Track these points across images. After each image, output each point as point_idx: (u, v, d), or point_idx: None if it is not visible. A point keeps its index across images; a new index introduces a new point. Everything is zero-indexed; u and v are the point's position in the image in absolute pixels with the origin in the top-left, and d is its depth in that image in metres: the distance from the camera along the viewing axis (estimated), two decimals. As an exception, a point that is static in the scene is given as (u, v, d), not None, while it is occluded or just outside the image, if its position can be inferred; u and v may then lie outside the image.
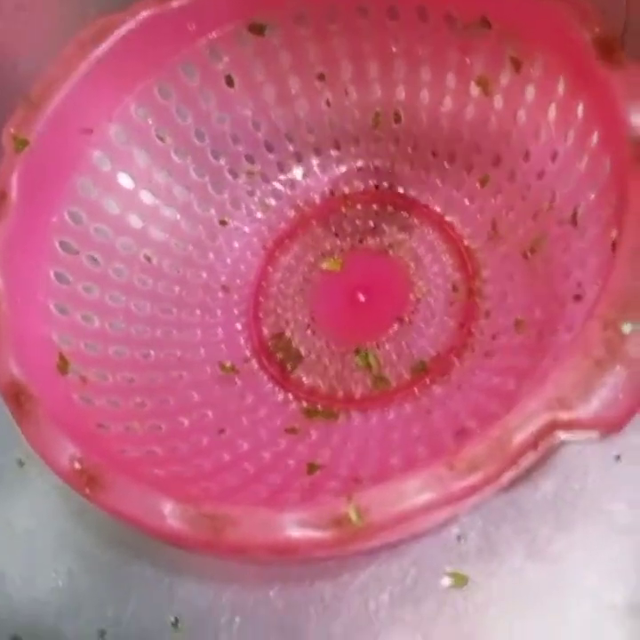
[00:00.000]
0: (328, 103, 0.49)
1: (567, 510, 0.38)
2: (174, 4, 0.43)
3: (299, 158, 0.51)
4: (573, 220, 0.41)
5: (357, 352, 0.45)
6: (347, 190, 0.51)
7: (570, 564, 0.38)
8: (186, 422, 0.42)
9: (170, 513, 0.32)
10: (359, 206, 0.50)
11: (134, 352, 0.44)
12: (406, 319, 0.46)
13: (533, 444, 0.30)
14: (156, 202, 0.48)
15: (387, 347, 0.45)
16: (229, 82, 0.48)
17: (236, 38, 0.46)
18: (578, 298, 0.38)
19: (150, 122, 0.46)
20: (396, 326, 0.46)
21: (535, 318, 0.42)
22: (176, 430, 0.41)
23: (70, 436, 0.35)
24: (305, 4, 0.45)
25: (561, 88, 0.41)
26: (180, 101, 0.47)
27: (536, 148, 0.44)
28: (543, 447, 0.31)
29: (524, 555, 0.38)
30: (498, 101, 0.45)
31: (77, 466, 0.34)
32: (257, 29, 0.46)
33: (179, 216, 0.49)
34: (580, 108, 0.39)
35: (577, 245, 0.40)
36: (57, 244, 0.42)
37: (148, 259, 0.47)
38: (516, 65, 0.43)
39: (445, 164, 0.49)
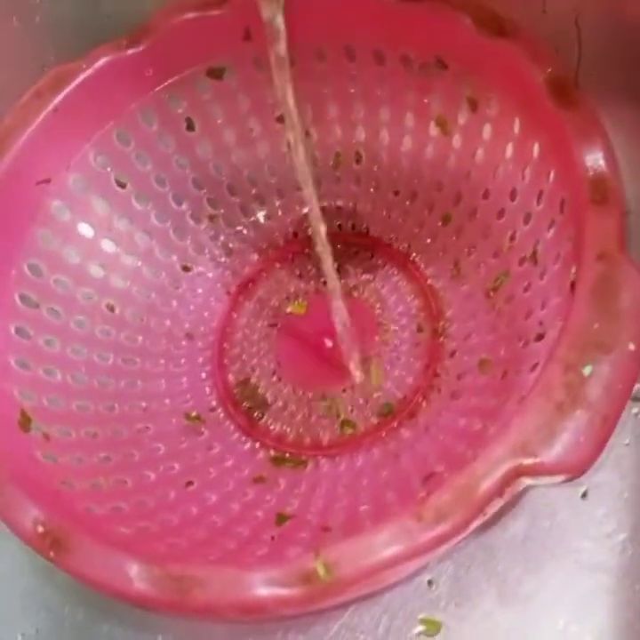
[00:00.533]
0: (288, 145, 0.49)
1: (536, 550, 0.38)
2: (131, 51, 0.43)
3: (261, 201, 0.51)
4: (533, 259, 0.41)
5: (324, 397, 0.45)
6: (310, 231, 0.51)
7: (540, 605, 0.37)
8: (152, 476, 0.41)
9: (136, 575, 0.31)
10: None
11: (98, 405, 0.43)
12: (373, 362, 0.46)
13: (499, 491, 0.30)
14: (117, 250, 0.47)
15: (354, 390, 0.45)
16: (189, 126, 0.48)
17: (195, 83, 0.46)
18: (540, 337, 0.38)
19: (109, 169, 0.46)
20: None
21: (499, 358, 0.42)
22: (142, 485, 0.40)
23: (33, 497, 0.34)
24: (262, 48, 0.45)
25: (516, 128, 0.41)
26: (140, 147, 0.47)
27: (495, 186, 0.44)
28: (509, 494, 0.31)
29: (495, 598, 0.38)
30: (456, 141, 0.46)
31: (40, 529, 0.33)
32: (215, 74, 0.46)
33: (140, 263, 0.48)
34: (535, 148, 0.40)
35: (537, 284, 0.40)
36: (17, 298, 0.42)
37: (111, 308, 0.47)
38: (473, 105, 0.43)
39: (407, 202, 0.50)
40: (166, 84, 0.46)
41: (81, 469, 0.39)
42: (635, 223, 0.44)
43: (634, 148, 0.44)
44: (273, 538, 0.36)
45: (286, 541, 0.36)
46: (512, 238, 0.43)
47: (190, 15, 0.43)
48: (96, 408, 0.43)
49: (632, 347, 0.31)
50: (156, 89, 0.46)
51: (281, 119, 0.48)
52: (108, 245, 0.47)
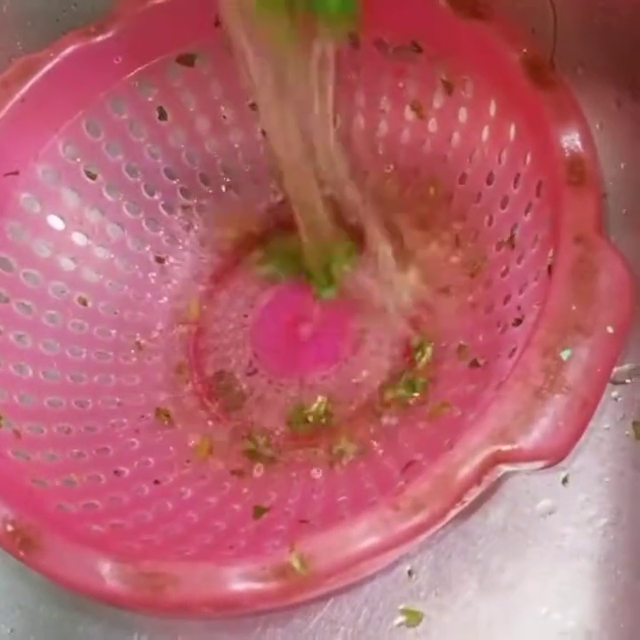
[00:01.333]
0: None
1: (517, 537, 0.38)
2: (99, 39, 0.42)
3: (236, 189, 0.50)
4: (511, 243, 0.40)
5: (301, 387, 0.44)
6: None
7: (522, 593, 0.37)
8: (126, 471, 0.40)
9: (108, 573, 0.31)
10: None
11: (71, 401, 0.42)
12: (350, 350, 0.45)
13: (477, 478, 0.30)
14: (89, 242, 0.46)
15: (332, 380, 0.45)
16: (161, 114, 0.47)
17: (165, 70, 0.45)
18: (518, 322, 0.38)
19: (79, 160, 0.45)
20: (340, 358, 0.45)
21: (478, 343, 0.41)
22: (116, 481, 0.39)
23: (2, 495, 0.33)
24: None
25: (492, 110, 0.41)
26: (110, 137, 0.46)
27: (471, 170, 0.44)
28: (487, 481, 0.30)
29: (476, 586, 0.37)
30: (432, 125, 0.45)
31: (10, 528, 0.32)
32: (186, 60, 0.45)
33: (113, 255, 0.47)
34: (511, 130, 0.40)
35: (515, 268, 0.40)
36: (-14, 293, 0.41)
37: (83, 302, 0.46)
38: (448, 88, 0.43)
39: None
40: (136, 71, 0.45)
41: (53, 466, 0.38)
42: (612, 205, 0.43)
43: (610, 129, 0.44)
44: (250, 531, 0.36)
45: (264, 534, 0.35)
46: (489, 222, 0.42)
47: (159, 0, 0.43)
48: (69, 404, 0.42)
49: (611, 329, 0.31)
50: (126, 77, 0.45)
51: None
52: (78, 238, 0.46)
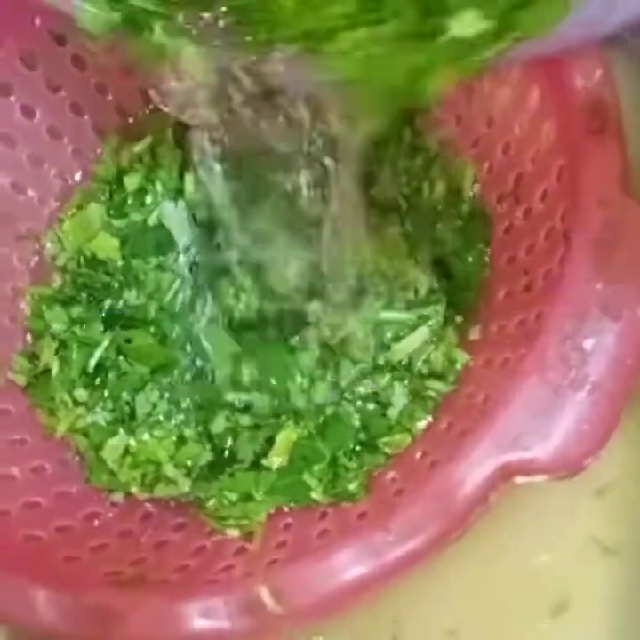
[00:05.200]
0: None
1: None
2: None
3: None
4: (514, 195, 0.35)
5: None
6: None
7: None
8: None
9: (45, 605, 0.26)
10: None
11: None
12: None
13: (483, 495, 0.25)
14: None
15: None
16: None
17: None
18: (527, 288, 0.33)
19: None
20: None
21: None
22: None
23: None
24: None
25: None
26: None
27: (468, 114, 0.38)
28: (496, 498, 0.25)
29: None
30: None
31: None
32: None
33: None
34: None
35: (521, 224, 0.34)
36: None
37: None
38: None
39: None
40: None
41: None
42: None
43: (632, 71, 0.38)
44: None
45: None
46: (489, 170, 0.37)
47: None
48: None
49: (643, 312, 0.26)
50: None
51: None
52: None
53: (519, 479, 0.25)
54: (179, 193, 0.40)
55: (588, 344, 0.26)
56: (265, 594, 0.25)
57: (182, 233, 0.40)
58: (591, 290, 0.27)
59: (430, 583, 0.32)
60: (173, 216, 0.40)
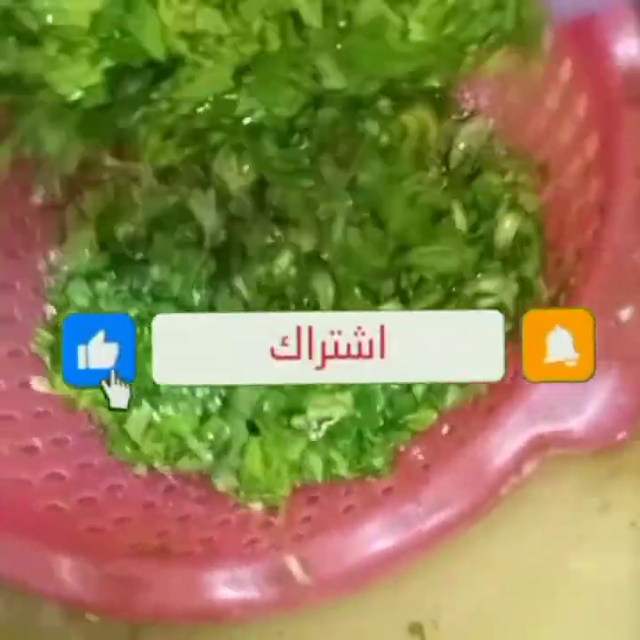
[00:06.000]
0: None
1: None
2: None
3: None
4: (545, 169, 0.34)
5: None
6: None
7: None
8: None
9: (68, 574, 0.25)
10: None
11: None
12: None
13: (516, 467, 0.24)
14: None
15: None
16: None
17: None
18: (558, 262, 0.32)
19: None
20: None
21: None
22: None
23: None
24: None
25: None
26: None
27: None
28: (528, 470, 0.25)
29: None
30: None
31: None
32: None
33: None
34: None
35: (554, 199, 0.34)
36: None
37: None
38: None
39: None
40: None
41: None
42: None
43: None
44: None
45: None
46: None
47: None
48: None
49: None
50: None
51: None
52: None
53: (553, 451, 0.25)
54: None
55: (625, 314, 0.26)
56: (293, 563, 0.24)
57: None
58: (627, 260, 0.26)
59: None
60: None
